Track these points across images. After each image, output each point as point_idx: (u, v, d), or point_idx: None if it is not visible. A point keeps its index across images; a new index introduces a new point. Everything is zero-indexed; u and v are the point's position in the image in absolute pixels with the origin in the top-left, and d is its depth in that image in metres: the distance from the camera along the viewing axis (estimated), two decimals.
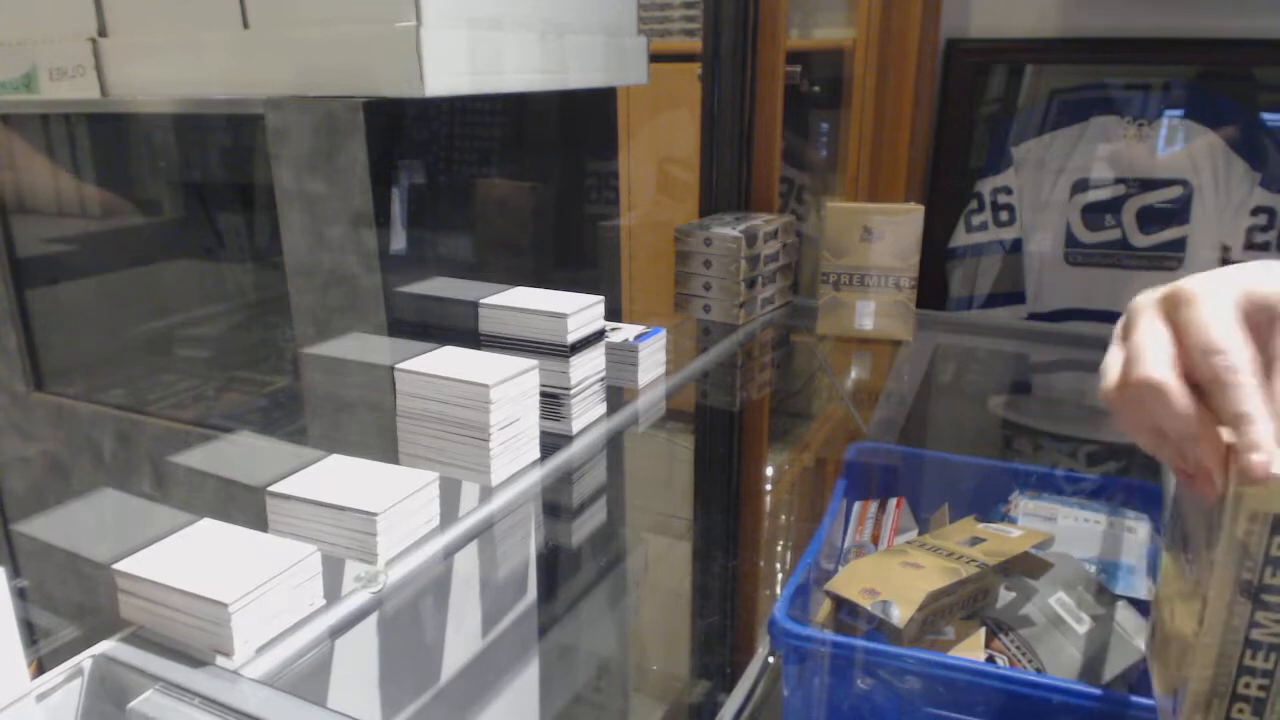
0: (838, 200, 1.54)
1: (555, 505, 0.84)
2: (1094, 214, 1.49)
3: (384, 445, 0.79)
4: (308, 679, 0.57)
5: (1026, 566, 0.74)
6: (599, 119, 1.19)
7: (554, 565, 1.02)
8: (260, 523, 0.66)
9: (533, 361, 0.77)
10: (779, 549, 1.28)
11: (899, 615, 0.64)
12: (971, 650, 0.67)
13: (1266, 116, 1.40)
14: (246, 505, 0.70)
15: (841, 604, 0.68)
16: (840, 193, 1.75)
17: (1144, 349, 0.41)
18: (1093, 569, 0.75)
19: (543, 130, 1.08)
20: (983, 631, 0.69)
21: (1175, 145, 1.43)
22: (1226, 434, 0.39)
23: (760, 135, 1.37)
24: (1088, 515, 0.81)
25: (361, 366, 0.86)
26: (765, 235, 1.24)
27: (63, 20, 0.91)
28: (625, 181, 1.61)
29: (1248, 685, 0.39)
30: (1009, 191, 1.53)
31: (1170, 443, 0.42)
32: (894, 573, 0.70)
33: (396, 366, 0.76)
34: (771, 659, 0.72)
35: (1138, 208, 1.47)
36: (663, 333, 0.98)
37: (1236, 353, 0.39)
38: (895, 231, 1.18)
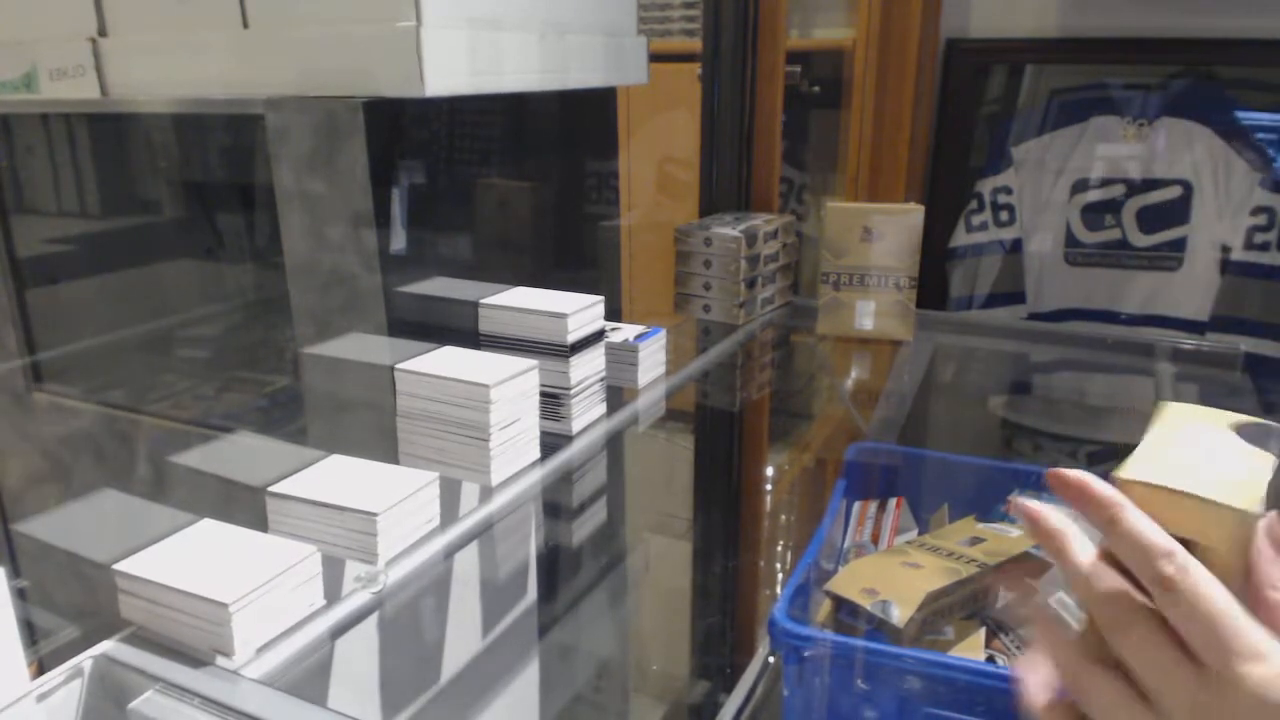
0: (838, 200, 1.54)
1: (555, 505, 0.84)
2: (1094, 214, 1.49)
3: (384, 445, 0.79)
4: (308, 679, 0.57)
5: (1026, 566, 0.74)
6: (599, 119, 1.19)
7: (554, 565, 1.02)
8: (260, 523, 0.66)
9: (533, 361, 0.77)
10: (779, 549, 1.28)
11: (899, 615, 0.64)
12: (971, 650, 0.67)
13: (1267, 116, 1.40)
14: (246, 505, 0.70)
15: (841, 604, 0.68)
16: (840, 193, 1.75)
17: None
18: None
19: (542, 130, 1.08)
20: (983, 631, 0.69)
21: (1175, 145, 1.43)
22: None
23: (760, 135, 1.37)
24: None
25: (361, 366, 0.86)
26: (765, 235, 1.24)
27: (63, 20, 0.91)
28: (625, 181, 1.61)
29: None
30: (1009, 191, 1.53)
31: None
32: (894, 573, 0.70)
33: (396, 366, 0.76)
34: (771, 659, 0.72)
35: (1138, 208, 1.47)
36: (663, 333, 0.98)
37: None
38: (895, 231, 1.18)
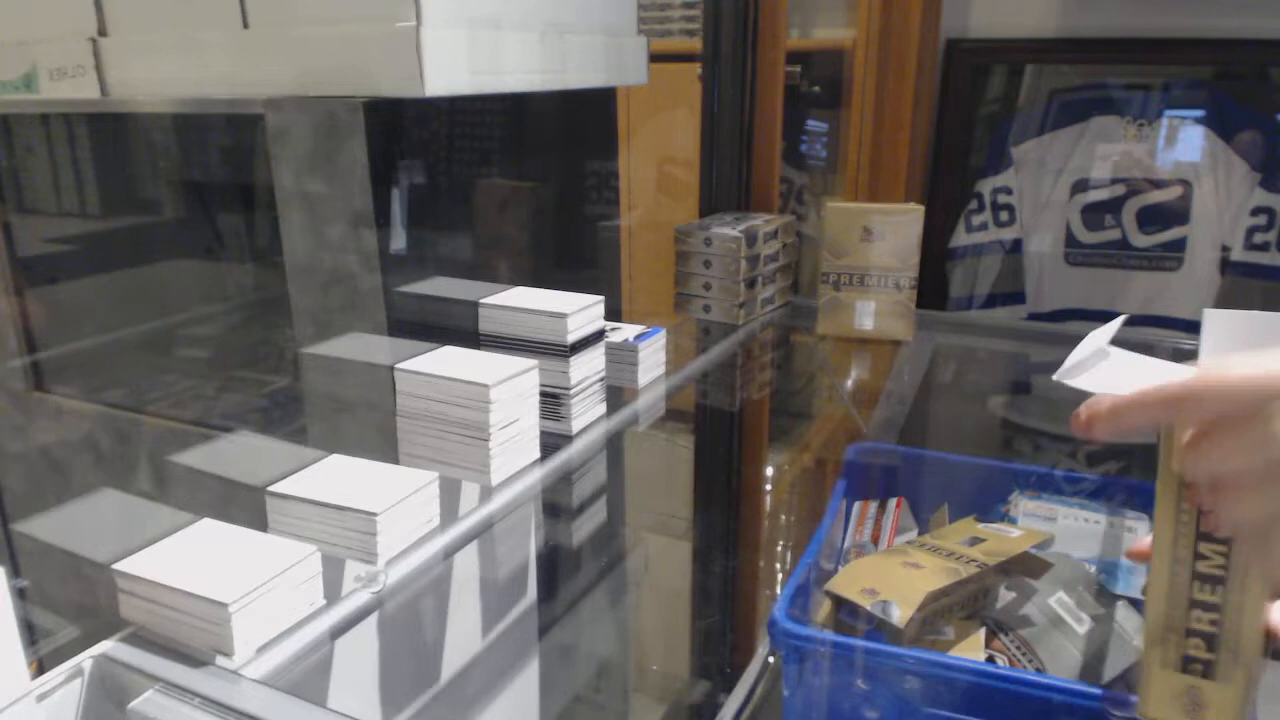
0: (838, 200, 1.54)
1: (555, 505, 0.84)
2: (1094, 214, 1.49)
3: (384, 445, 0.79)
4: (308, 679, 0.57)
5: (1026, 566, 0.74)
6: (599, 119, 1.19)
7: (554, 565, 1.02)
8: (260, 523, 0.66)
9: (533, 361, 0.77)
10: (779, 549, 1.28)
11: (899, 615, 0.64)
12: (971, 650, 0.67)
13: (1266, 117, 1.40)
14: (246, 505, 0.70)
15: (841, 604, 0.68)
16: (840, 193, 1.75)
17: None
18: (1093, 569, 0.75)
19: (543, 130, 1.08)
20: (983, 631, 0.69)
21: (1175, 145, 1.43)
22: None
23: (760, 135, 1.37)
24: (1088, 515, 0.81)
25: (361, 366, 0.86)
26: (765, 235, 1.24)
27: (63, 20, 0.91)
28: (625, 181, 1.61)
29: (1199, 620, 0.38)
30: (1009, 191, 1.53)
31: None
32: (894, 573, 0.70)
33: (396, 366, 0.76)
34: (771, 659, 0.72)
35: (1138, 208, 1.47)
36: (663, 333, 0.98)
37: None
38: (895, 231, 1.18)
